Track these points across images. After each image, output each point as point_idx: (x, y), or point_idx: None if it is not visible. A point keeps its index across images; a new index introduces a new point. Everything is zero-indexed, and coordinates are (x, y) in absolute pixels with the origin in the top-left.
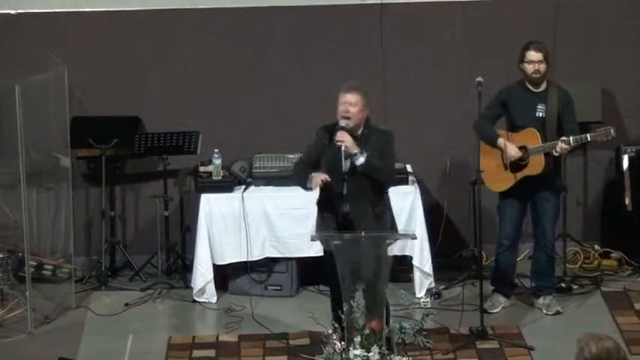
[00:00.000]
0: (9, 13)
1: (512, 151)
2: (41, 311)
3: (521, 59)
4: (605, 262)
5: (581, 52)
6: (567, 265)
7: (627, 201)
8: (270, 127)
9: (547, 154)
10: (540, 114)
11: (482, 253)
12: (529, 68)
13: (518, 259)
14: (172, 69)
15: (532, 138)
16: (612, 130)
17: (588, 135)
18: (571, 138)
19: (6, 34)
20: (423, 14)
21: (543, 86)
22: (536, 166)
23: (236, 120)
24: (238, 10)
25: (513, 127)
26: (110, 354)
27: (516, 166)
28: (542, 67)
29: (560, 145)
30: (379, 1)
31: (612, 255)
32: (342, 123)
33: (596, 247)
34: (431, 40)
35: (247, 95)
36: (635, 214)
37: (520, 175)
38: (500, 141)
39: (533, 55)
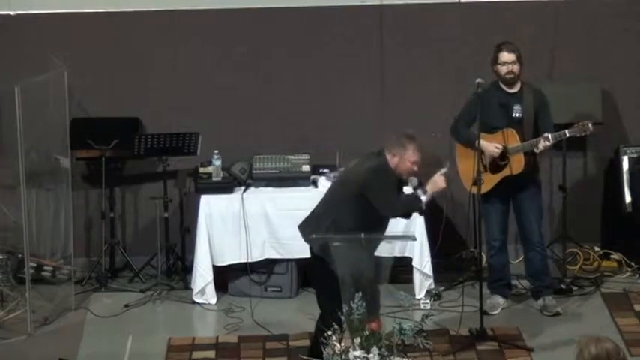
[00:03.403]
0: (9, 14)
1: (493, 148)
2: (41, 312)
3: (495, 61)
4: (604, 263)
5: (581, 53)
6: (567, 266)
7: (627, 202)
8: (270, 128)
9: (526, 154)
10: (517, 114)
11: (482, 254)
12: (502, 69)
13: (516, 261)
14: (172, 70)
15: (510, 138)
16: (589, 125)
17: (566, 131)
18: (549, 135)
19: (6, 35)
20: (423, 14)
21: (517, 86)
22: (516, 165)
23: (236, 121)
24: (238, 10)
25: (488, 129)
26: (110, 355)
27: (495, 167)
28: (516, 67)
29: (543, 143)
30: (379, 2)
31: (612, 256)
32: (414, 182)
33: (596, 248)
34: (430, 41)
35: (247, 96)
36: (635, 215)
37: (500, 175)
38: (481, 142)
39: (506, 56)
